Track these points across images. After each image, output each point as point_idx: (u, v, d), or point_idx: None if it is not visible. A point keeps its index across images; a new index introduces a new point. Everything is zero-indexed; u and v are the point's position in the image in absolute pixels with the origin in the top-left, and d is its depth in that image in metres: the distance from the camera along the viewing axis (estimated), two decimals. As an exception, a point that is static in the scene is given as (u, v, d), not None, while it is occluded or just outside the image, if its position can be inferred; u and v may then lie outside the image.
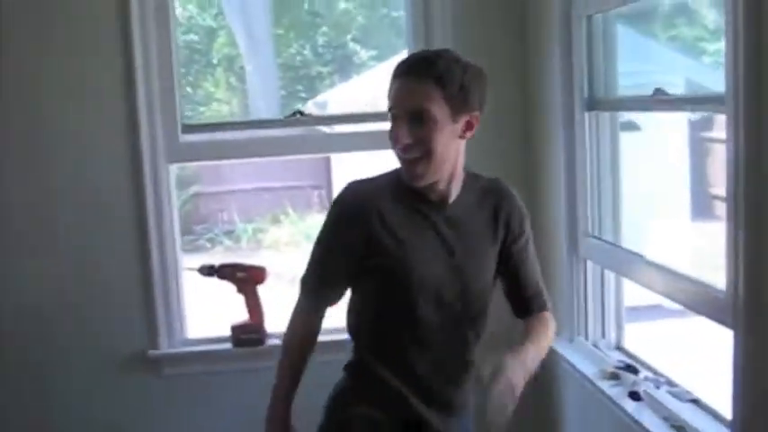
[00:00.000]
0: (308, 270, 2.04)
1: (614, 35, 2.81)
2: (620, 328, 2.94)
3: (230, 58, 9.20)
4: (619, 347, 2.92)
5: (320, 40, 8.99)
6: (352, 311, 2.07)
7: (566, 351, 2.97)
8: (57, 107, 3.09)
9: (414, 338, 1.97)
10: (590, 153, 2.85)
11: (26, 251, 3.15)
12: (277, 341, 3.24)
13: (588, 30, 2.80)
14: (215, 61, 9.27)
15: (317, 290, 2.02)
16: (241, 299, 3.21)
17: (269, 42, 8.60)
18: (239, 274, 3.18)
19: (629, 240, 2.88)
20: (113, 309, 3.19)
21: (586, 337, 2.95)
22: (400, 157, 1.90)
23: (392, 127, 1.87)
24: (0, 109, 3.07)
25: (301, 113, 3.22)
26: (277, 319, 3.25)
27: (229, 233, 9.57)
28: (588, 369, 2.80)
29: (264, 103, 8.53)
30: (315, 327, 2.06)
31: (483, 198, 2.02)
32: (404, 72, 1.84)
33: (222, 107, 9.21)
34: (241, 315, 3.24)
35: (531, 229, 2.09)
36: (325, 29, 8.84)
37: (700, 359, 3.65)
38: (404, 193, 1.93)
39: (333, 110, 6.88)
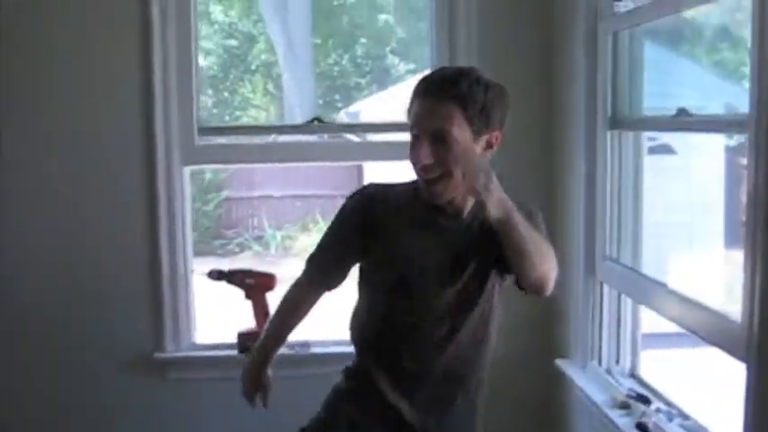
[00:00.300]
0: (314, 251, 2.12)
1: (641, 52, 2.73)
2: (635, 354, 2.84)
3: (268, 64, 9.23)
4: (633, 375, 2.82)
5: (359, 51, 8.99)
6: (355, 315, 2.12)
7: (577, 376, 2.88)
8: (72, 104, 3.08)
9: (409, 343, 2.00)
10: (611, 173, 2.76)
11: (34, 247, 3.13)
12: (284, 350, 3.19)
13: (614, 46, 2.72)
14: (253, 67, 9.32)
15: (316, 269, 2.10)
16: (249, 305, 3.16)
17: (307, 51, 8.61)
18: (248, 281, 3.13)
19: (650, 266, 2.79)
20: (121, 310, 3.16)
21: (600, 363, 2.85)
22: (420, 176, 1.90)
23: (413, 146, 1.86)
24: (12, 100, 3.07)
25: (320, 120, 3.18)
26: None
27: (259, 239, 9.58)
28: (599, 396, 2.70)
29: (300, 111, 8.54)
30: (306, 301, 2.16)
31: None
32: (425, 92, 1.84)
33: (260, 113, 9.26)
34: (249, 322, 3.19)
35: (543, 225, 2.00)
36: (363, 40, 8.84)
37: (721, 391, 3.52)
38: (418, 202, 1.94)
39: (364, 120, 6.85)
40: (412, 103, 1.87)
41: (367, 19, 8.56)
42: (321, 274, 2.10)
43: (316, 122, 3.17)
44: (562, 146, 3.08)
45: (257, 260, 8.81)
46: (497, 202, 1.71)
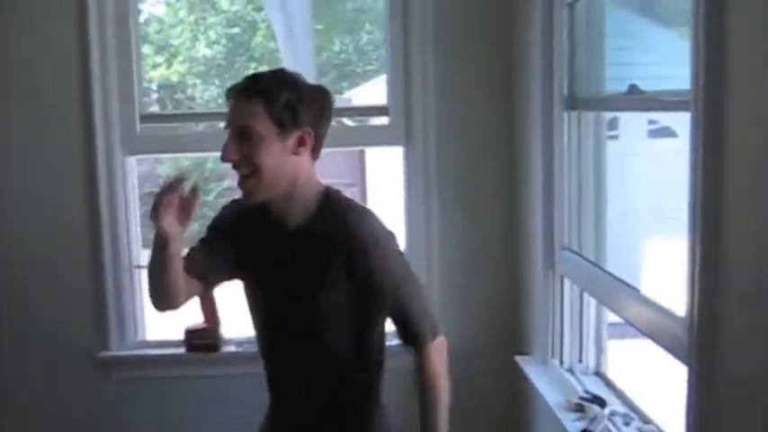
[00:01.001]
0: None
1: (601, 23, 2.52)
2: (600, 351, 2.65)
3: (271, 52, 9.08)
4: (598, 373, 2.63)
5: (364, 38, 8.83)
6: None
7: (536, 374, 2.70)
8: (7, 91, 2.96)
9: (266, 358, 2.01)
10: (569, 157, 2.57)
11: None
12: (233, 348, 3.05)
13: (570, 18, 2.52)
14: (257, 55, 9.18)
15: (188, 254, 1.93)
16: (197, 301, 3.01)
17: (308, 37, 8.45)
18: (192, 275, 2.97)
19: (618, 257, 2.60)
20: (64, 306, 3.03)
21: (561, 361, 2.67)
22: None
23: (224, 144, 1.82)
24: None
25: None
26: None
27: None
28: (555, 397, 2.52)
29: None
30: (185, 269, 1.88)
31: (328, 227, 1.85)
32: (234, 91, 1.84)
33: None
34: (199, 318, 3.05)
35: (386, 263, 1.86)
36: (368, 26, 8.67)
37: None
38: (258, 211, 1.90)
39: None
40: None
41: (371, 4, 8.40)
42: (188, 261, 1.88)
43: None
44: (521, 128, 2.89)
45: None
46: None
